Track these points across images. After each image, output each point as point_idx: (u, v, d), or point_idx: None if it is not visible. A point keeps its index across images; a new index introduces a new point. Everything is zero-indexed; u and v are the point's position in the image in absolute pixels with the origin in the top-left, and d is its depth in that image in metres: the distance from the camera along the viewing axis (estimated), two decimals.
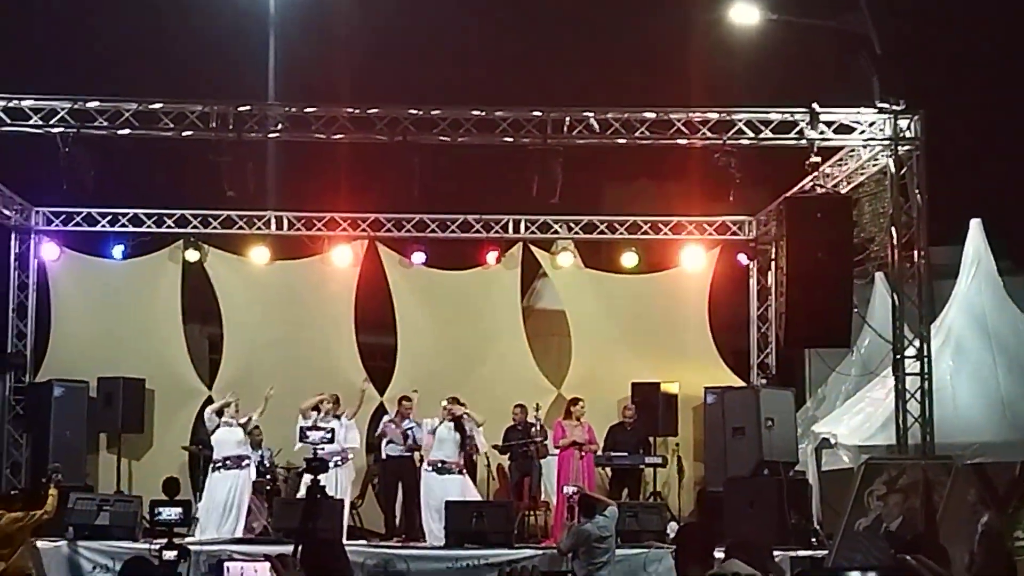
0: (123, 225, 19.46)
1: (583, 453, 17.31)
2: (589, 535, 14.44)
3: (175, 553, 13.70)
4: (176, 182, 20.43)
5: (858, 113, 16.26)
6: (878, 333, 16.86)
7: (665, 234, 19.82)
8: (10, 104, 15.97)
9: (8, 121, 15.99)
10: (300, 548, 10.68)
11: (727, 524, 15.79)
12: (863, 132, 16.32)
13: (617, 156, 18.36)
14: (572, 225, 19.83)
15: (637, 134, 16.22)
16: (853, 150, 16.97)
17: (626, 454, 17.94)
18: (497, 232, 19.69)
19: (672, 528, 16.21)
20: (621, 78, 22.39)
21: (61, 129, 15.84)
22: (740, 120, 16.16)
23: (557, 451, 17.49)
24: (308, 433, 15.72)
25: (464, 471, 17.10)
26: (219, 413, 17.23)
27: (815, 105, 16.05)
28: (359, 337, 19.80)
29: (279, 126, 16.46)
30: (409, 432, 17.40)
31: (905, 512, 14.72)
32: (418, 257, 19.48)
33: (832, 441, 17.03)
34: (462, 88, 20.62)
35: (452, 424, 16.90)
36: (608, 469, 18.18)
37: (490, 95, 17.44)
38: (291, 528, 14.81)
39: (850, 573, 12.43)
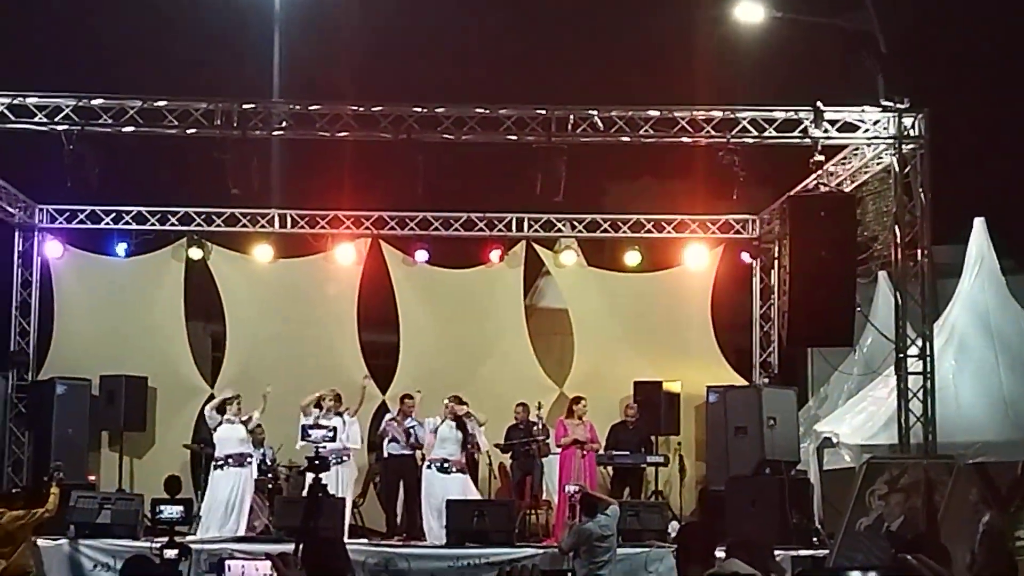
0: (127, 223, 19.46)
1: (585, 452, 17.31)
2: (590, 534, 14.43)
3: (176, 552, 13.71)
4: (180, 180, 20.43)
5: (862, 111, 16.24)
6: (881, 332, 16.85)
7: (668, 233, 19.82)
8: (14, 101, 15.98)
9: (12, 118, 16.00)
10: (301, 547, 10.71)
11: (729, 523, 15.78)
12: (867, 130, 16.30)
13: (621, 154, 18.33)
14: (575, 223, 19.84)
15: (641, 132, 16.21)
16: (857, 148, 16.95)
17: (628, 453, 17.93)
18: (500, 230, 19.68)
19: (673, 527, 16.21)
20: (625, 76, 22.38)
21: (65, 126, 15.84)
22: (744, 118, 16.15)
23: (559, 450, 17.50)
24: (310, 432, 15.72)
25: (465, 470, 17.09)
26: (219, 410, 17.23)
27: (819, 103, 16.03)
28: (362, 335, 19.80)
29: (283, 124, 16.46)
30: (411, 430, 17.40)
31: (907, 511, 14.70)
32: (421, 255, 19.48)
33: (834, 440, 17.01)
34: (466, 86, 20.60)
35: (454, 423, 16.90)
36: (610, 468, 18.18)
37: (494, 93, 17.45)
38: (292, 527, 14.83)
39: (851, 573, 12.42)
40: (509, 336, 19.85)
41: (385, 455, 17.62)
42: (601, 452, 17.72)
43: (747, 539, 8.42)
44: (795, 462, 17.35)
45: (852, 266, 16.14)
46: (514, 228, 19.71)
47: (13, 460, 18.71)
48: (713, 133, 16.14)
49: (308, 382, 17.88)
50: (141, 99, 16.08)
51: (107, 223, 19.44)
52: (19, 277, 19.42)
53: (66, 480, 15.78)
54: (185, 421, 19.04)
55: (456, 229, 19.69)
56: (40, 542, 15.28)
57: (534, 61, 23.79)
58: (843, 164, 17.27)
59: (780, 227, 17.83)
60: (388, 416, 17.93)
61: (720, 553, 7.96)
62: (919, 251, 16.13)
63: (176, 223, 19.51)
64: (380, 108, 16.22)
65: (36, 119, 15.97)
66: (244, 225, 19.49)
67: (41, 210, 19.44)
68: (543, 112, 16.14)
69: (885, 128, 16.23)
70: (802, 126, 16.12)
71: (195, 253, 19.49)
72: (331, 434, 15.71)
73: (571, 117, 16.14)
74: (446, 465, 16.82)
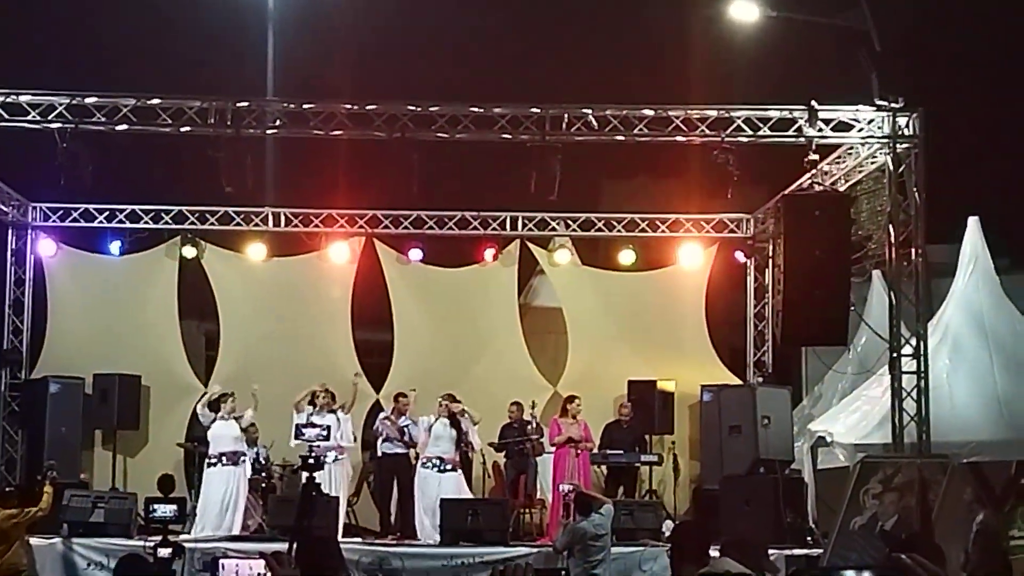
0: (120, 221, 19.44)
1: (579, 451, 17.29)
2: (585, 533, 14.41)
3: (170, 550, 13.65)
4: (174, 178, 20.40)
5: (857, 111, 16.26)
6: (875, 331, 16.85)
7: (663, 231, 19.83)
8: (8, 100, 15.97)
9: (6, 117, 15.99)
10: (295, 546, 10.69)
11: (723, 522, 15.76)
12: (861, 130, 16.32)
13: (615, 153, 18.35)
14: (570, 222, 19.83)
15: (635, 131, 16.21)
16: (851, 148, 16.97)
17: (622, 452, 17.93)
18: (495, 229, 19.68)
19: (668, 526, 16.19)
20: (619, 75, 22.37)
21: (59, 125, 15.84)
22: (739, 117, 16.15)
23: (553, 449, 17.49)
24: (304, 431, 15.70)
25: (459, 468, 17.08)
26: (212, 408, 17.20)
27: (814, 102, 16.04)
28: (356, 334, 19.78)
29: (277, 122, 16.45)
30: (405, 429, 17.38)
31: (901, 511, 14.71)
32: (415, 254, 19.47)
33: (828, 439, 17.02)
34: (460, 85, 20.59)
35: (448, 421, 16.88)
36: (604, 467, 18.18)
37: (488, 92, 17.46)
38: (286, 526, 14.81)
39: (845, 572, 12.42)
40: (503, 335, 19.84)
41: (379, 454, 17.61)
42: (595, 451, 17.71)
43: (741, 538, 8.43)
44: (789, 461, 17.35)
45: (846, 265, 16.14)
46: (508, 227, 19.70)
47: (6, 459, 18.70)
48: (708, 132, 16.15)
49: (302, 381, 17.84)
50: (135, 97, 16.07)
51: (101, 221, 19.42)
52: (12, 275, 19.39)
53: (59, 479, 15.76)
54: (179, 420, 19.00)
55: (450, 228, 19.68)
56: (33, 541, 15.24)
57: (528, 60, 23.78)
58: (837, 163, 17.28)
59: (774, 226, 17.82)
60: (382, 415, 17.91)
61: (714, 552, 7.96)
62: (913, 250, 16.14)
63: (170, 221, 19.47)
64: (374, 107, 16.22)
65: (30, 117, 15.96)
66: (238, 223, 19.47)
67: (34, 208, 19.42)
68: (537, 111, 16.13)
69: (879, 127, 16.25)
70: (797, 125, 16.14)
71: (189, 251, 19.47)
72: (325, 433, 15.69)
73: (565, 116, 16.14)
74: (440, 463, 16.81)
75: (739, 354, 20.19)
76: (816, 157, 16.31)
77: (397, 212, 19.58)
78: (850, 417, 17.22)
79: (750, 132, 16.14)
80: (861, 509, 14.80)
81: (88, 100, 15.98)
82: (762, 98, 16.91)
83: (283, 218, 19.65)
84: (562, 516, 16.27)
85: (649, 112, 16.21)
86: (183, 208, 19.38)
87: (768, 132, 16.17)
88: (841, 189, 17.27)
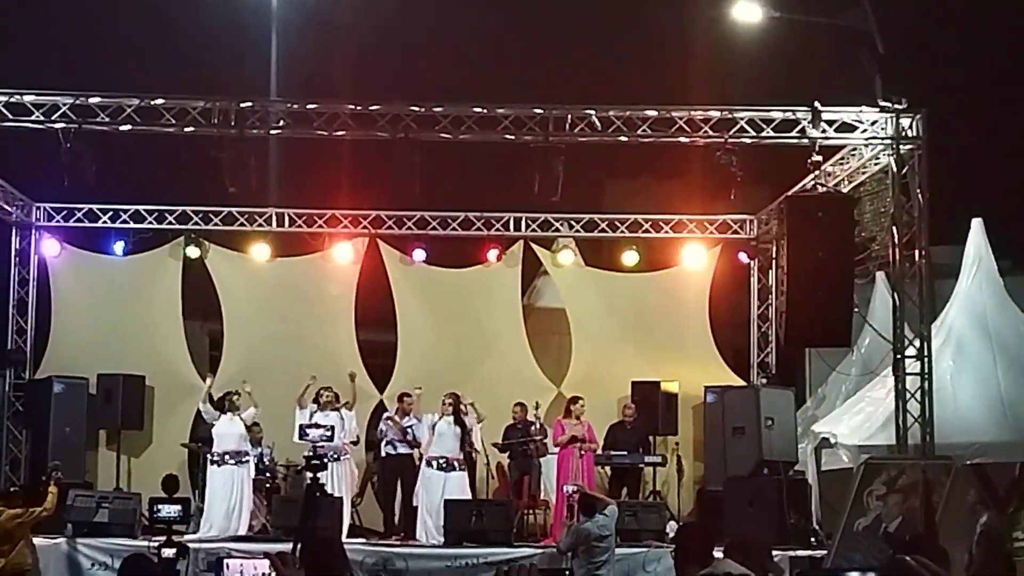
0: (124, 221, 19.44)
1: (583, 452, 17.28)
2: (589, 534, 14.42)
3: (174, 551, 13.68)
4: (177, 178, 20.41)
5: (860, 112, 16.24)
6: (879, 332, 16.85)
7: (666, 232, 19.82)
8: (11, 99, 15.96)
9: (10, 116, 15.98)
10: (299, 546, 10.69)
11: (726, 523, 15.78)
12: (865, 131, 16.30)
13: (618, 154, 18.36)
14: (573, 223, 19.82)
15: (639, 132, 16.20)
16: (855, 149, 16.96)
17: (626, 453, 17.91)
18: (498, 230, 19.67)
19: (671, 527, 16.21)
20: (623, 76, 22.38)
21: (63, 125, 15.83)
22: (742, 118, 16.14)
23: (557, 450, 17.49)
24: (308, 431, 15.69)
25: (464, 467, 17.08)
26: (217, 406, 17.21)
27: (817, 104, 16.03)
28: (359, 334, 19.78)
29: (280, 122, 16.46)
30: (409, 429, 17.39)
31: (904, 512, 14.71)
32: (419, 254, 19.47)
33: (832, 441, 17.02)
34: (464, 85, 20.61)
35: (452, 418, 16.89)
36: (608, 468, 18.17)
37: (492, 92, 17.45)
38: (290, 526, 14.81)
39: (849, 573, 12.44)
40: (507, 336, 19.84)
41: (383, 454, 17.62)
42: (599, 452, 17.71)
43: (745, 539, 8.42)
44: (793, 462, 17.35)
45: (850, 266, 16.13)
46: (512, 228, 19.70)
47: (11, 459, 18.70)
48: (711, 133, 16.14)
49: (306, 381, 17.82)
50: (139, 97, 16.07)
51: (104, 221, 19.43)
52: (16, 275, 19.39)
53: (64, 479, 15.78)
54: (183, 420, 19.00)
55: (454, 228, 19.68)
56: (38, 541, 15.24)
57: (532, 61, 23.80)
58: (841, 164, 17.27)
59: (778, 227, 17.82)
60: (385, 415, 17.91)
61: (718, 553, 7.96)
62: (917, 252, 16.13)
63: (173, 222, 19.48)
64: (378, 107, 16.21)
65: (33, 117, 15.95)
66: (241, 224, 19.48)
67: (38, 208, 19.42)
68: (541, 112, 16.13)
69: (883, 128, 16.23)
70: (800, 126, 16.12)
71: (192, 252, 19.47)
72: (329, 433, 15.68)
73: (569, 117, 16.13)
74: (445, 463, 16.82)
75: (743, 355, 20.19)
76: (819, 158, 16.27)
77: (401, 213, 19.58)
78: (854, 418, 17.22)
79: (753, 133, 16.13)
80: (865, 511, 14.79)
81: (92, 100, 15.98)
82: (765, 99, 16.91)
83: (287, 218, 19.65)
84: (566, 517, 16.26)
85: (652, 113, 16.20)
86: (187, 208, 19.38)
87: (771, 133, 16.16)
88: (844, 190, 17.27)
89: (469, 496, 17.04)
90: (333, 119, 16.25)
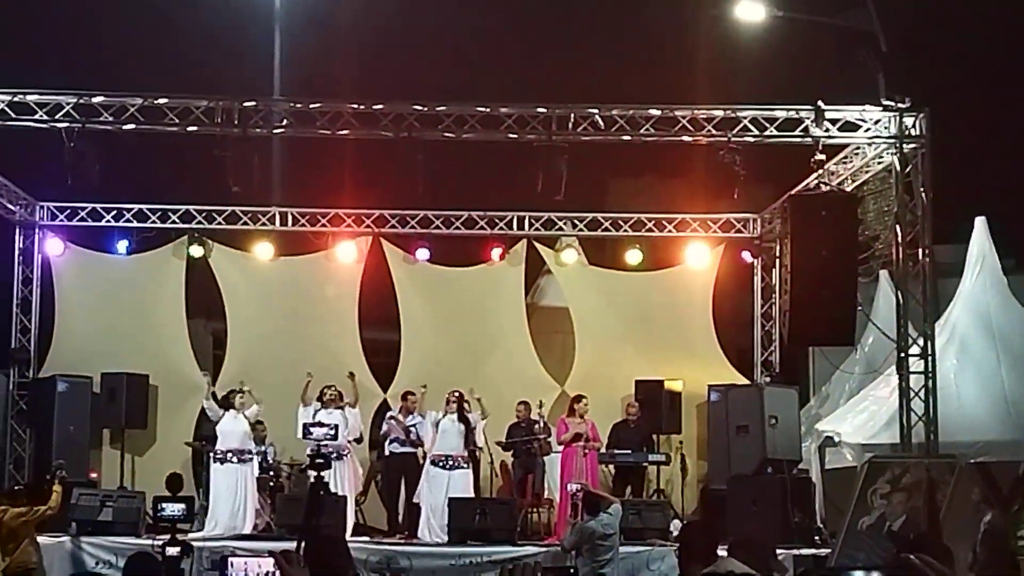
0: (127, 220, 19.45)
1: (586, 450, 17.29)
2: (593, 532, 14.43)
3: (178, 549, 13.68)
4: (180, 177, 20.43)
5: (863, 111, 16.23)
6: (882, 331, 16.85)
7: (669, 231, 19.82)
8: (15, 99, 15.96)
9: (13, 116, 15.99)
10: (304, 545, 10.69)
11: (730, 522, 15.78)
12: (868, 130, 16.30)
13: (622, 153, 18.35)
14: (576, 222, 19.83)
15: (642, 131, 16.20)
16: (858, 148, 16.95)
17: (629, 452, 17.93)
18: (501, 229, 19.67)
19: (675, 526, 16.23)
20: (626, 75, 22.38)
21: (66, 124, 15.83)
22: (745, 117, 16.14)
23: (560, 448, 17.50)
24: (312, 430, 15.69)
25: (468, 464, 17.08)
26: (221, 404, 17.22)
27: (820, 102, 16.02)
28: (363, 333, 19.79)
29: (284, 122, 16.46)
30: (412, 428, 17.40)
31: (908, 511, 14.71)
32: (422, 253, 19.47)
33: (836, 439, 17.01)
34: (467, 84, 20.61)
35: (456, 416, 16.91)
36: (611, 466, 18.19)
37: (495, 91, 17.45)
38: (294, 525, 14.82)
39: (853, 572, 12.40)
40: (510, 335, 19.84)
41: (387, 453, 17.63)
42: (603, 451, 17.72)
43: (749, 538, 8.41)
44: (797, 461, 17.35)
45: (853, 265, 16.13)
46: (515, 226, 19.70)
47: (15, 457, 18.71)
48: (714, 132, 16.13)
49: (306, 379, 17.82)
50: (142, 97, 16.07)
51: (108, 221, 19.45)
52: (20, 274, 19.40)
53: (68, 478, 15.79)
54: (187, 419, 19.02)
55: (457, 227, 19.69)
56: (42, 539, 15.26)
57: (535, 59, 23.80)
58: (844, 163, 17.27)
59: (781, 226, 17.83)
60: (389, 414, 17.93)
61: (722, 552, 7.96)
62: (920, 250, 16.13)
63: (177, 221, 19.49)
64: (381, 106, 16.21)
65: (37, 116, 15.96)
66: (245, 223, 19.48)
67: (42, 207, 19.44)
68: (544, 111, 16.13)
69: (886, 127, 16.23)
70: (803, 125, 16.11)
71: (196, 251, 19.48)
72: (332, 432, 15.68)
73: (572, 115, 16.13)
74: (450, 461, 16.82)
75: (746, 354, 20.19)
76: (823, 157, 16.27)
77: (404, 212, 19.59)
78: (857, 417, 17.22)
79: (756, 132, 16.13)
80: (869, 509, 14.79)
81: (95, 99, 15.98)
82: (768, 98, 16.89)
83: (290, 217, 19.66)
84: (570, 515, 16.24)
85: (655, 112, 16.19)
86: (190, 207, 19.38)
87: (774, 132, 16.15)
88: (848, 189, 17.26)
89: (473, 494, 17.06)
90: (336, 118, 16.26)
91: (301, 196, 20.33)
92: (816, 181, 17.06)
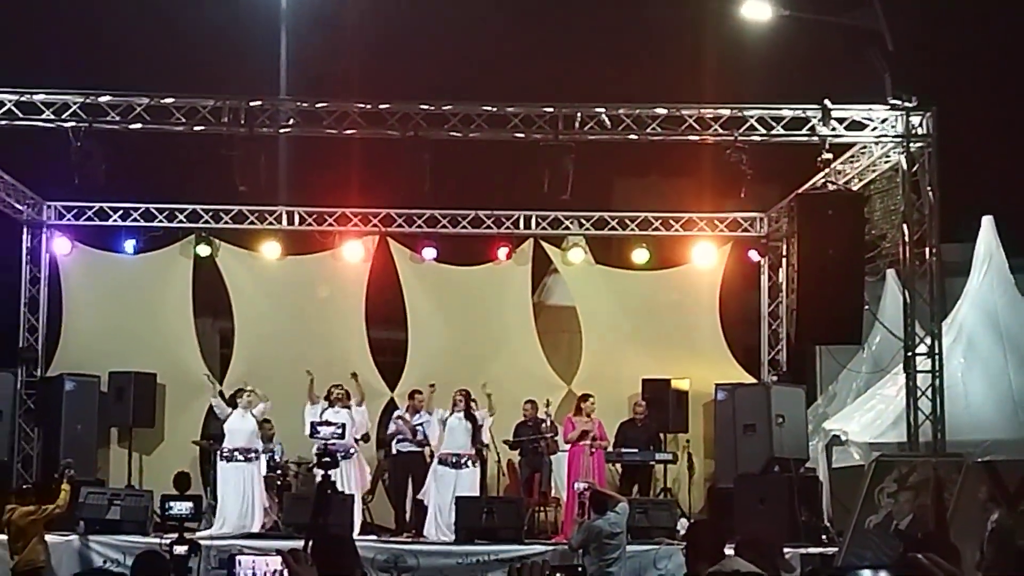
0: (134, 220, 19.49)
1: (593, 449, 17.30)
2: (600, 531, 14.43)
3: (186, 548, 13.73)
4: (187, 177, 20.42)
5: (870, 110, 16.24)
6: (889, 330, 16.84)
7: (676, 230, 19.82)
8: (22, 98, 16.00)
9: (20, 115, 16.02)
10: (311, 544, 10.71)
11: (737, 521, 15.79)
12: (875, 129, 16.30)
13: (628, 152, 18.34)
14: (583, 221, 19.83)
15: (648, 130, 16.21)
16: (865, 147, 16.95)
17: (636, 450, 17.93)
18: (508, 228, 19.68)
19: (682, 524, 16.24)
20: (632, 74, 22.35)
21: (73, 123, 15.87)
22: (752, 116, 16.15)
23: (567, 447, 17.51)
24: (319, 429, 15.73)
25: (476, 462, 17.09)
26: (229, 402, 17.23)
27: (827, 102, 16.03)
28: (370, 332, 19.81)
29: (290, 121, 16.48)
30: (419, 428, 17.42)
31: (916, 510, 14.71)
32: (429, 253, 19.48)
33: (843, 438, 17.02)
34: (473, 83, 20.58)
35: (463, 414, 16.92)
36: (618, 465, 18.19)
37: (501, 91, 17.44)
38: (302, 523, 14.85)
39: (861, 571, 12.43)
40: (517, 334, 19.85)
41: (394, 451, 17.65)
42: (610, 449, 17.72)
43: (756, 537, 8.41)
44: (804, 460, 17.36)
45: (860, 264, 16.13)
46: (522, 226, 19.71)
47: (23, 456, 18.75)
48: (721, 131, 16.14)
49: (316, 379, 17.86)
50: (148, 96, 16.11)
51: (115, 220, 19.48)
52: (27, 274, 19.45)
53: (76, 476, 15.82)
54: (194, 417, 19.03)
55: (464, 227, 19.69)
56: (50, 538, 15.27)
57: (541, 59, 23.76)
58: (851, 162, 17.27)
59: (788, 225, 17.82)
60: (396, 413, 17.95)
61: (729, 550, 7.96)
62: (927, 249, 16.13)
63: (184, 220, 19.51)
64: (387, 106, 16.24)
65: (44, 116, 16.00)
66: (252, 222, 19.50)
67: (49, 207, 19.48)
68: (550, 110, 16.14)
69: (893, 126, 16.24)
70: (810, 124, 16.13)
71: (203, 250, 19.50)
72: (340, 431, 15.71)
73: (578, 115, 16.15)
74: (457, 460, 16.83)
75: (753, 353, 20.18)
76: (829, 156, 16.29)
77: (411, 211, 19.60)
78: (865, 416, 17.23)
79: (763, 131, 16.14)
80: (876, 508, 14.80)
81: (102, 99, 16.02)
82: (775, 97, 16.88)
83: (297, 217, 19.68)
84: (577, 514, 16.30)
85: (662, 111, 16.20)
86: (197, 207, 19.41)
87: (781, 131, 16.17)
88: (855, 188, 17.26)
89: (479, 493, 17.06)
90: (343, 118, 16.28)
91: (308, 195, 20.32)
92: (823, 180, 17.05)
